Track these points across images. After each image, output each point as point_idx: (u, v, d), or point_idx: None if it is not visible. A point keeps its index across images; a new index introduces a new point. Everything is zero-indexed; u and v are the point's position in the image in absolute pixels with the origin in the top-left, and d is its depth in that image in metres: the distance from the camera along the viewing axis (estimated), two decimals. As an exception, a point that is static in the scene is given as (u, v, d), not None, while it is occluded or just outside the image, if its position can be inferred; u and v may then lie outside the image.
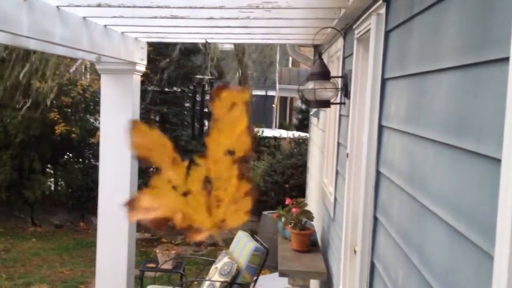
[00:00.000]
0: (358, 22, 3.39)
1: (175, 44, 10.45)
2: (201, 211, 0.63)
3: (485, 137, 1.33)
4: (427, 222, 1.79)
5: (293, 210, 4.77)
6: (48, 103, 9.80)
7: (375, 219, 2.69)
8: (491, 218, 1.19)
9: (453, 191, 1.56)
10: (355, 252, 3.35)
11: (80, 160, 12.03)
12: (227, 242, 9.02)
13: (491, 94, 1.30)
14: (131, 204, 0.62)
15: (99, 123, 11.28)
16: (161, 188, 0.63)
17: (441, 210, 1.63)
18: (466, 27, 1.53)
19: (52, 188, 11.59)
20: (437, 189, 1.71)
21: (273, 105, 22.02)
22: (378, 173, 2.67)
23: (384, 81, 2.63)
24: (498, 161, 1.18)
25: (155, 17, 3.88)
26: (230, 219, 0.63)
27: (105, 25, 4.39)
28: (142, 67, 5.54)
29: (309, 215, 4.88)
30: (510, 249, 1.10)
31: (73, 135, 10.75)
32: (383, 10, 2.65)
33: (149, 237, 10.36)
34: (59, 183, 11.77)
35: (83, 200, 11.18)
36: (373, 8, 2.83)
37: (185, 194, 0.63)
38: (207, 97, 11.84)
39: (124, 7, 3.51)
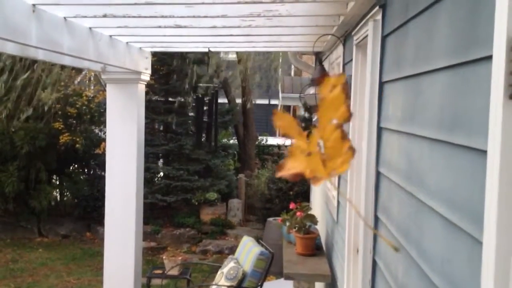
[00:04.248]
0: (357, 29, 3.49)
1: (179, 53, 10.58)
2: (319, 165, 0.87)
3: (475, 131, 1.41)
4: (424, 217, 1.87)
5: (298, 214, 4.85)
6: (51, 110, 9.92)
7: (376, 218, 2.77)
8: (482, 207, 1.27)
9: (447, 184, 1.64)
10: (357, 252, 3.42)
11: (86, 170, 12.15)
12: (233, 250, 9.09)
13: (478, 90, 1.38)
14: (280, 167, 0.89)
15: (104, 133, 11.44)
16: (295, 154, 0.89)
17: (437, 203, 1.71)
18: (456, 28, 1.61)
19: (58, 199, 11.70)
20: (433, 184, 1.79)
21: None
22: (378, 173, 2.75)
23: (382, 84, 2.72)
24: (486, 152, 1.26)
25: (159, 27, 3.98)
26: (337, 168, 0.87)
27: (110, 35, 4.50)
28: (146, 76, 5.65)
29: (313, 219, 4.95)
30: (496, 233, 1.18)
31: (77, 145, 10.86)
32: (379, 16, 2.74)
33: (155, 245, 10.43)
34: (65, 194, 11.88)
35: (89, 210, 11.28)
36: (370, 15, 2.92)
37: (308, 154, 0.88)
38: (207, 106, 11.97)
39: (129, 17, 3.61)
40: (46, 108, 9.79)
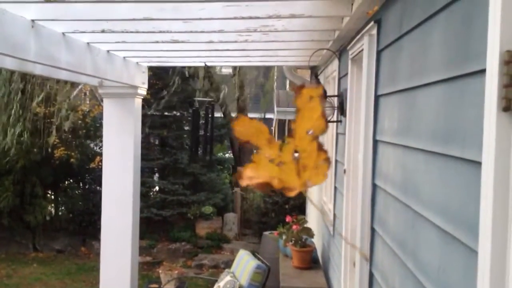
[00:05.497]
0: (352, 43, 3.54)
1: (174, 68, 10.63)
2: (293, 175, 0.87)
3: (469, 143, 1.44)
4: (420, 227, 1.89)
5: (294, 227, 4.86)
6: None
7: (373, 230, 2.79)
8: (476, 217, 1.30)
9: (442, 195, 1.66)
10: (354, 265, 3.43)
11: (81, 185, 12.11)
12: (229, 264, 9.06)
13: (472, 103, 1.42)
14: (239, 175, 0.88)
15: (99, 148, 11.44)
16: (260, 162, 0.88)
17: (432, 214, 1.73)
18: (449, 43, 1.65)
19: (53, 213, 11.65)
20: (428, 195, 1.81)
21: (272, 128, 22.20)
22: (374, 185, 2.78)
23: (377, 97, 2.76)
24: (480, 164, 1.30)
25: (157, 42, 4.02)
26: (313, 179, 0.87)
27: (108, 50, 4.53)
28: (143, 90, 5.68)
29: (309, 232, 4.96)
30: (491, 242, 1.21)
31: (72, 159, 10.85)
32: (374, 31, 2.78)
33: (151, 260, 10.38)
34: (60, 208, 11.83)
35: (84, 224, 11.23)
36: (365, 29, 2.97)
37: (279, 164, 0.88)
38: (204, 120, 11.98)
39: (127, 32, 3.64)
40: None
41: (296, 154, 0.86)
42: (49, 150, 10.65)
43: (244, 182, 0.89)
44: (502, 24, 1.18)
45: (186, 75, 10.44)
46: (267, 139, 0.88)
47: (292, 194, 0.89)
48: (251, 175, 0.88)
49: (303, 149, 0.87)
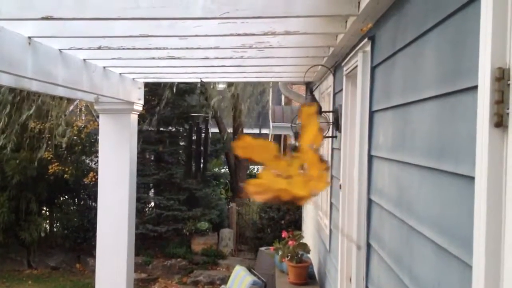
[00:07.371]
0: (346, 60, 3.57)
1: (170, 84, 10.67)
2: (301, 186, 0.97)
3: (462, 158, 1.46)
4: (415, 242, 1.90)
5: (290, 243, 4.85)
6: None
7: (368, 245, 2.79)
8: (470, 231, 1.31)
9: (436, 210, 1.68)
10: (350, 281, 3.43)
11: (76, 201, 12.06)
12: (225, 280, 9.01)
13: (465, 119, 1.44)
14: (245, 191, 0.97)
15: (94, 164, 11.40)
16: (266, 177, 0.98)
17: (427, 229, 1.75)
18: (442, 60, 1.68)
19: (48, 230, 11.58)
20: (422, 210, 1.83)
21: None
22: (369, 201, 2.79)
23: (372, 113, 2.78)
24: (473, 179, 1.31)
25: (153, 58, 4.04)
26: (317, 187, 0.97)
27: (104, 67, 4.56)
28: (139, 106, 5.70)
29: (305, 248, 4.95)
30: (485, 257, 1.22)
31: (67, 175, 10.80)
32: (368, 48, 2.82)
33: (146, 277, 10.31)
34: (55, 225, 11.76)
35: (79, 241, 11.16)
36: (359, 46, 3.01)
37: (287, 177, 0.97)
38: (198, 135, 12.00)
39: (124, 49, 3.67)
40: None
41: (304, 167, 0.95)
42: (44, 165, 10.62)
43: (254, 198, 0.98)
44: (493, 41, 1.20)
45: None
46: (275, 156, 0.98)
47: (303, 203, 0.99)
48: (258, 191, 0.97)
49: (308, 162, 0.98)
